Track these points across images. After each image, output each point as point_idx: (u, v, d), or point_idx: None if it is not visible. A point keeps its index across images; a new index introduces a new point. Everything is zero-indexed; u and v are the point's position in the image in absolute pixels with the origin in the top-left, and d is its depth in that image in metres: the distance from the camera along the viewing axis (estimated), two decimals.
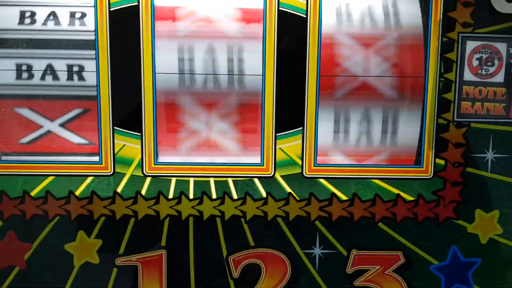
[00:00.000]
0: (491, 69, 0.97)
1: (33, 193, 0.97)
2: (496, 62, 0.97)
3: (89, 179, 0.98)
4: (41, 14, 0.96)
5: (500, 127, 0.98)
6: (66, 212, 0.98)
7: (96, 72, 0.95)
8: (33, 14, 0.97)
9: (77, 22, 0.96)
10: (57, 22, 0.96)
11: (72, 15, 0.97)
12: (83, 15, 0.97)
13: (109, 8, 0.93)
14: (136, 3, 0.92)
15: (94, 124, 0.98)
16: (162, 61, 0.96)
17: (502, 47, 0.97)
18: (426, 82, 0.97)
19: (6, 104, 0.97)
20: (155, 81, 0.95)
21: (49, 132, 0.98)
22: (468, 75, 0.97)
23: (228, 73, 0.97)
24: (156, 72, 0.95)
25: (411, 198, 1.00)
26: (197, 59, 0.97)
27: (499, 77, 0.97)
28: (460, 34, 0.96)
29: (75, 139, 0.98)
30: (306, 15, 0.94)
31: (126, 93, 0.96)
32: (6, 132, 0.98)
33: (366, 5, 0.98)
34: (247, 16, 0.97)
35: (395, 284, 1.03)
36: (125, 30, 0.94)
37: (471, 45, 0.97)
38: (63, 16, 0.96)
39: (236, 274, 1.02)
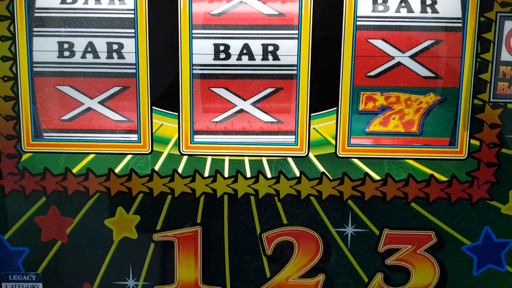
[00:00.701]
0: None
1: (74, 170, 0.99)
2: None
3: (128, 157, 0.98)
4: None
5: None
6: (106, 188, 1.00)
7: (135, 51, 0.94)
8: None
9: (116, 0, 0.96)
10: (98, 1, 0.96)
11: None
12: None
13: None
14: None
15: (133, 101, 0.98)
16: (199, 43, 0.94)
17: None
18: (463, 63, 0.94)
19: (48, 81, 0.98)
20: (192, 62, 0.94)
21: (89, 109, 0.99)
22: (505, 55, 0.94)
23: (263, 54, 0.97)
24: (193, 53, 0.94)
25: (444, 179, 0.98)
26: (233, 45, 0.96)
27: None
28: (498, 14, 0.92)
29: (114, 116, 0.99)
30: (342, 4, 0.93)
31: (164, 73, 0.95)
32: (48, 109, 0.99)
33: None
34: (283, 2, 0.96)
35: (427, 264, 1.02)
36: (163, 10, 0.93)
37: (509, 24, 0.94)
38: None
39: (269, 251, 1.02)
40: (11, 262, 1.02)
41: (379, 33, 0.96)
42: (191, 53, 0.96)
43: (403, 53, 0.96)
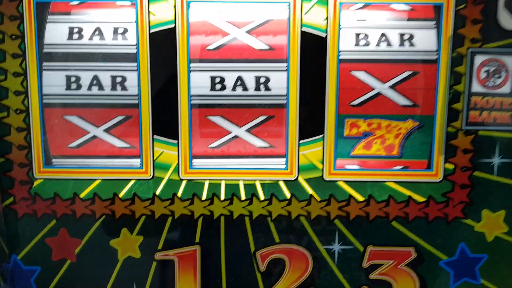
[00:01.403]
0: (498, 81, 0.99)
1: (82, 195, 1.02)
2: (503, 74, 0.98)
3: (131, 182, 1.02)
4: (88, 30, 1.00)
5: (506, 134, 1.00)
6: (111, 211, 1.03)
7: (137, 83, 0.98)
8: (80, 30, 1.01)
9: (119, 37, 1.00)
10: (102, 37, 1.01)
11: (115, 31, 1.01)
12: (125, 30, 1.01)
13: (149, 28, 0.97)
14: (173, 25, 0.97)
15: (135, 129, 1.02)
16: (196, 75, 0.99)
17: (509, 60, 0.98)
18: (437, 93, 1.00)
19: (57, 112, 1.02)
20: (190, 93, 0.99)
21: (94, 137, 1.03)
22: (476, 87, 0.99)
23: (255, 85, 1.02)
24: (191, 85, 0.99)
25: (422, 199, 1.03)
26: (228, 77, 1.00)
27: (506, 88, 0.98)
28: (469, 49, 0.98)
29: (117, 143, 1.03)
30: (326, 35, 0.98)
31: (164, 104, 0.99)
32: (57, 137, 1.03)
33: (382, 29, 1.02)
34: (274, 37, 1.00)
35: (407, 278, 1.06)
36: (163, 45, 0.98)
37: (479, 59, 0.98)
38: (107, 31, 1.01)
39: (263, 268, 1.06)
40: (24, 280, 1.05)
41: (361, 65, 1.01)
42: (189, 85, 1.00)
43: (383, 83, 1.01)
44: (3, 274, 1.07)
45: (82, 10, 1.00)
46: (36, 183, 1.02)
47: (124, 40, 1.00)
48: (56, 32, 1.01)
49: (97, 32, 1.00)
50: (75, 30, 1.01)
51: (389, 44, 1.01)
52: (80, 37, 1.01)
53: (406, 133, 1.03)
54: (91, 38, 1.00)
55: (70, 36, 1.01)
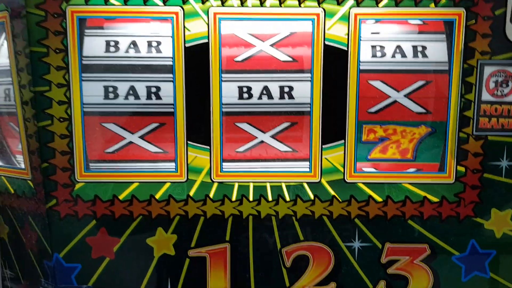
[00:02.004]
0: (506, 90, 1.05)
1: (121, 197, 1.08)
2: (510, 84, 1.04)
3: (167, 185, 1.08)
4: (124, 43, 1.06)
5: None
6: (147, 212, 1.08)
7: (173, 93, 1.05)
8: (116, 43, 1.07)
9: (154, 50, 1.06)
10: (137, 50, 1.06)
11: (150, 44, 1.07)
12: (159, 43, 1.07)
13: (185, 42, 1.03)
14: (206, 40, 1.04)
15: (168, 135, 1.08)
16: (226, 85, 1.05)
17: None
18: (449, 101, 1.06)
19: (95, 120, 1.07)
20: (221, 102, 1.06)
21: (130, 143, 1.09)
22: (485, 96, 1.05)
23: (280, 94, 1.07)
24: (222, 95, 1.05)
25: (436, 200, 1.09)
26: (254, 86, 1.06)
27: None
28: (479, 61, 1.04)
29: (152, 148, 1.09)
30: (347, 48, 1.04)
31: (197, 112, 1.06)
32: (95, 143, 1.08)
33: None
34: (297, 48, 1.07)
35: (422, 272, 1.11)
36: (197, 58, 1.04)
37: (488, 70, 1.05)
38: (142, 44, 1.07)
39: (288, 264, 1.11)
40: (66, 276, 1.10)
41: (378, 75, 1.07)
42: (220, 94, 1.06)
43: (398, 92, 1.08)
44: (45, 271, 1.14)
45: (120, 24, 1.05)
46: (77, 186, 1.07)
47: (159, 53, 1.07)
48: (93, 45, 1.06)
49: (133, 45, 1.06)
50: (112, 43, 1.07)
51: (403, 56, 1.09)
52: (117, 49, 1.07)
53: (420, 138, 1.11)
54: (127, 51, 1.07)
55: (107, 49, 1.06)
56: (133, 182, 1.08)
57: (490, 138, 1.06)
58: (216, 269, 1.11)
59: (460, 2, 1.02)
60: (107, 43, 1.07)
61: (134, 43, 1.07)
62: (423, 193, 1.09)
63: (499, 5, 1.02)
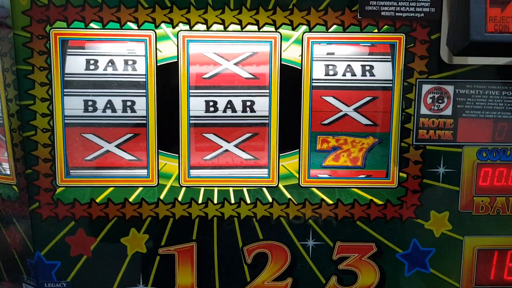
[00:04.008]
0: (442, 105, 1.17)
1: (98, 200, 1.17)
2: (445, 100, 1.17)
3: (140, 189, 1.17)
4: (102, 61, 1.16)
5: (449, 148, 1.17)
6: (122, 214, 1.18)
7: (146, 107, 1.15)
8: (95, 61, 1.17)
9: (130, 68, 1.17)
10: (114, 68, 1.17)
11: (126, 62, 1.17)
12: (134, 62, 1.17)
13: (156, 62, 1.14)
14: (176, 60, 1.14)
15: (141, 145, 1.17)
16: (194, 99, 1.16)
17: (450, 88, 1.16)
18: (392, 115, 1.18)
19: (75, 130, 1.17)
20: (189, 114, 1.15)
21: (107, 151, 1.19)
22: (423, 110, 1.17)
23: (242, 108, 1.18)
24: (190, 109, 1.16)
25: (381, 202, 1.19)
26: (219, 101, 1.17)
27: (448, 111, 1.17)
28: (417, 80, 1.16)
29: (127, 156, 1.19)
30: (301, 67, 1.15)
31: (168, 123, 1.15)
32: (75, 152, 1.18)
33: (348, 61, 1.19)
34: (258, 67, 1.18)
35: (370, 268, 1.22)
36: (167, 75, 1.14)
37: (426, 87, 1.17)
38: (119, 63, 1.17)
39: (249, 261, 1.21)
40: (47, 273, 1.18)
41: (330, 91, 1.19)
42: (188, 108, 1.17)
43: (348, 106, 1.19)
44: (27, 268, 1.22)
45: (97, 44, 1.16)
46: (58, 190, 1.16)
47: (134, 71, 1.17)
48: (75, 63, 1.16)
49: (110, 64, 1.17)
50: (91, 61, 1.17)
51: (353, 74, 1.20)
52: (96, 67, 1.18)
53: (368, 148, 1.22)
54: (105, 69, 1.17)
55: (87, 67, 1.17)
56: (109, 187, 1.17)
57: (428, 148, 1.18)
58: (184, 266, 1.20)
59: (400, 28, 1.14)
60: (87, 62, 1.18)
61: (111, 62, 1.18)
62: (369, 197, 1.20)
63: (435, 31, 1.14)
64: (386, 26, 1.14)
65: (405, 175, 1.19)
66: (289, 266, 1.21)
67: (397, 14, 1.13)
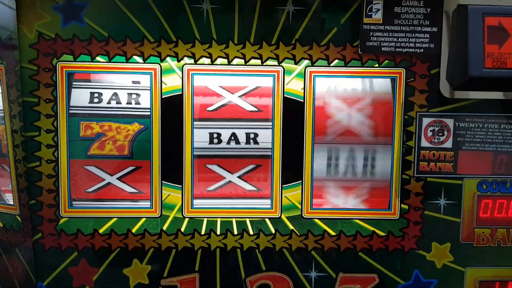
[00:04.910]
0: (442, 138, 1.19)
1: (101, 231, 1.17)
2: (445, 133, 1.19)
3: (143, 220, 1.18)
4: (106, 94, 1.18)
5: (449, 180, 1.19)
6: (124, 245, 1.18)
7: (150, 139, 1.16)
8: (100, 94, 1.20)
9: (133, 101, 1.19)
10: (118, 101, 1.19)
11: (130, 95, 1.20)
12: (138, 95, 1.19)
13: (161, 94, 1.16)
14: (181, 92, 1.17)
15: (143, 177, 1.18)
16: (198, 131, 1.17)
17: (449, 122, 1.18)
18: (393, 148, 1.20)
19: (78, 163, 1.18)
20: (193, 146, 1.17)
21: (109, 183, 1.20)
22: (424, 143, 1.19)
23: (246, 140, 1.20)
24: (194, 140, 1.18)
25: (383, 234, 1.20)
26: (223, 133, 1.19)
27: (448, 144, 1.18)
28: (418, 113, 1.18)
29: (128, 189, 1.20)
30: (304, 100, 1.17)
31: (172, 155, 1.16)
32: (77, 184, 1.19)
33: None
34: (261, 99, 1.20)
35: None
36: (172, 108, 1.16)
37: (426, 120, 1.18)
38: (123, 96, 1.20)
39: None
40: None
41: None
42: (192, 139, 1.18)
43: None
44: None
45: (104, 77, 1.18)
46: (61, 221, 1.17)
47: (137, 104, 1.18)
48: (80, 96, 1.18)
49: (114, 97, 1.19)
50: (95, 94, 1.19)
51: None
52: (100, 100, 1.19)
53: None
54: (109, 102, 1.18)
55: (91, 99, 1.18)
56: (112, 218, 1.17)
57: (429, 180, 1.19)
58: None
59: (400, 63, 1.17)
60: (91, 94, 1.19)
61: (115, 95, 1.19)
62: (371, 228, 1.20)
63: (434, 66, 1.16)
64: (386, 61, 1.17)
65: (406, 207, 1.20)
66: None
67: (397, 49, 1.16)
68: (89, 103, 1.18)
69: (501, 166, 1.21)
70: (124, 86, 1.19)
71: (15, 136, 1.17)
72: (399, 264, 1.20)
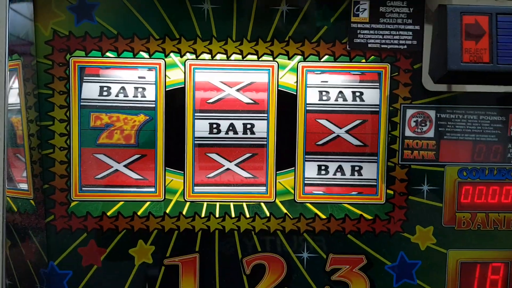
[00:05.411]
0: (424, 128, 1.27)
1: (108, 213, 1.26)
2: (428, 123, 1.27)
3: (147, 203, 1.26)
4: (115, 88, 1.28)
5: (432, 168, 1.27)
6: (130, 226, 1.26)
7: (154, 129, 1.25)
8: (108, 88, 1.29)
9: (139, 94, 1.28)
10: (125, 94, 1.27)
11: (136, 89, 1.29)
12: (144, 89, 1.29)
13: (165, 87, 1.25)
14: (183, 85, 1.26)
15: (148, 165, 1.27)
16: (199, 122, 1.26)
17: (431, 113, 1.27)
18: (379, 137, 1.28)
19: (88, 151, 1.26)
20: (194, 136, 1.26)
21: (116, 170, 1.28)
22: (408, 132, 1.27)
23: (243, 130, 1.28)
24: (195, 130, 1.26)
25: (370, 217, 1.28)
26: (222, 123, 1.28)
27: (430, 134, 1.27)
28: (402, 105, 1.27)
29: (134, 175, 1.28)
30: (296, 92, 1.27)
31: (175, 144, 1.25)
32: (87, 170, 1.27)
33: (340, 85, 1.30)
34: (257, 93, 1.28)
35: (360, 279, 1.29)
36: (175, 100, 1.25)
37: (409, 112, 1.27)
38: (130, 89, 1.29)
39: (248, 271, 1.29)
40: (59, 282, 1.26)
41: (323, 115, 1.29)
42: (193, 129, 1.26)
43: (340, 129, 1.29)
44: (41, 278, 1.29)
45: (113, 71, 1.27)
46: (72, 204, 1.25)
47: (143, 97, 1.27)
48: (89, 89, 1.27)
49: (122, 90, 1.28)
50: (105, 88, 1.28)
51: (344, 99, 1.30)
52: (109, 94, 1.28)
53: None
54: (117, 95, 1.27)
55: (100, 93, 1.28)
56: (119, 201, 1.26)
57: (413, 167, 1.28)
58: (187, 276, 1.28)
59: (386, 58, 1.26)
60: (101, 88, 1.28)
61: (123, 88, 1.28)
62: (359, 212, 1.28)
63: (417, 61, 1.26)
64: (372, 57, 1.26)
65: (392, 192, 1.28)
66: (285, 277, 1.29)
67: (382, 46, 1.25)
68: (98, 95, 1.27)
69: (480, 154, 1.29)
70: (131, 80, 1.28)
71: (30, 125, 1.26)
72: (385, 246, 1.29)
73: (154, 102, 1.26)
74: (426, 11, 1.25)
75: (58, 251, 1.26)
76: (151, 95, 1.26)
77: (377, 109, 1.28)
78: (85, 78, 1.27)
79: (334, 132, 1.28)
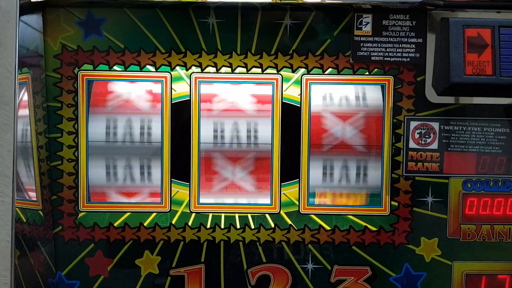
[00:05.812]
0: (428, 140, 1.28)
1: (115, 224, 1.27)
2: (431, 135, 1.28)
3: (153, 214, 1.28)
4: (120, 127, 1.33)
5: (436, 179, 1.27)
6: (137, 237, 1.27)
7: (161, 137, 1.27)
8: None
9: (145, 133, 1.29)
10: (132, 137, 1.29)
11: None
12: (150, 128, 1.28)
13: (171, 99, 1.27)
14: (188, 98, 1.28)
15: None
16: (204, 133, 1.28)
17: (435, 125, 1.27)
18: (383, 149, 1.29)
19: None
20: (200, 148, 1.28)
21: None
22: (412, 144, 1.28)
23: (247, 141, 1.30)
24: (200, 142, 1.28)
25: (375, 229, 1.29)
26: (226, 131, 1.30)
27: (434, 145, 1.27)
28: (406, 117, 1.27)
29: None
30: (300, 105, 1.28)
31: (180, 156, 1.27)
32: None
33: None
34: (263, 105, 1.30)
35: None
36: (181, 113, 1.27)
37: (413, 124, 1.28)
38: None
39: (253, 282, 1.29)
40: None
41: (328, 126, 1.29)
42: (199, 140, 1.27)
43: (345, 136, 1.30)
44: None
45: (120, 83, 1.28)
46: (80, 215, 1.27)
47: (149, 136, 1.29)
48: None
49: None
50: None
51: (348, 109, 1.30)
52: (115, 134, 1.30)
53: None
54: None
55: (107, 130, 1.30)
56: (126, 212, 1.28)
57: (417, 179, 1.28)
58: (193, 286, 1.28)
59: (389, 71, 1.27)
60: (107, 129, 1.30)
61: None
62: (364, 223, 1.29)
63: (420, 73, 1.26)
64: (376, 69, 1.27)
65: (396, 204, 1.28)
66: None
67: (385, 58, 1.26)
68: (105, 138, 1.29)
69: (484, 166, 1.29)
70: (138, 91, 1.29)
71: (39, 137, 1.29)
72: (390, 257, 1.28)
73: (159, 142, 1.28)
74: (428, 24, 1.26)
75: (66, 261, 1.28)
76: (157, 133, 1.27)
77: (381, 121, 1.29)
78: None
79: (338, 141, 1.28)
